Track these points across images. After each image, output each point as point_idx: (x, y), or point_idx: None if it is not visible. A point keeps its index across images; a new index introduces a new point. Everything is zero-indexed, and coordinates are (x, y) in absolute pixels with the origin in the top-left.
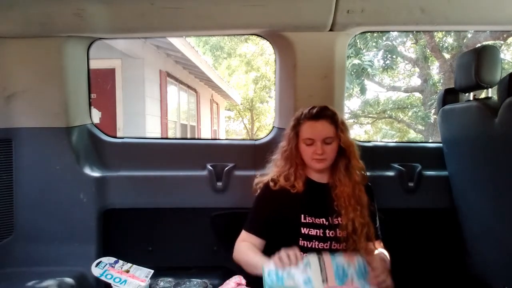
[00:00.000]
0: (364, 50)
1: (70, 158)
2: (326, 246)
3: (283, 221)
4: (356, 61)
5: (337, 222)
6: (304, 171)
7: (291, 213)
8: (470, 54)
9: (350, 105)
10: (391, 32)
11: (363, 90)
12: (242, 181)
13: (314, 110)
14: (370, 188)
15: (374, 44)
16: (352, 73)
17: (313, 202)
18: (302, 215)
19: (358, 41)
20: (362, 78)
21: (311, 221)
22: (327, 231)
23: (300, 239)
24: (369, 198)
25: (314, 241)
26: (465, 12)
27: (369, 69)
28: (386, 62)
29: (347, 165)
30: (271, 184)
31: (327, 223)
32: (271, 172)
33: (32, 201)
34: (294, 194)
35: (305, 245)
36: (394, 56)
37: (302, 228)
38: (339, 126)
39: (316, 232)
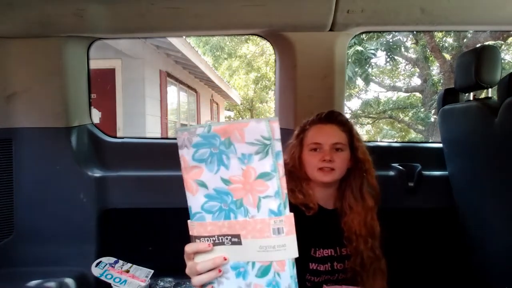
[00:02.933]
0: (365, 39)
1: (70, 158)
2: (333, 278)
3: None
4: (359, 48)
5: (345, 252)
6: (310, 191)
7: (301, 244)
8: (470, 54)
9: (351, 105)
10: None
11: (367, 80)
12: None
13: (323, 114)
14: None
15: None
16: (356, 61)
17: (322, 231)
18: (312, 249)
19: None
20: (366, 67)
21: (320, 255)
22: (335, 263)
23: (308, 274)
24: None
25: (322, 275)
26: (465, 12)
27: (372, 57)
28: (389, 56)
29: (361, 186)
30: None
31: (335, 254)
32: None
33: (32, 201)
34: (306, 218)
35: (313, 280)
36: (395, 56)
37: (310, 264)
38: (354, 135)
39: (325, 267)
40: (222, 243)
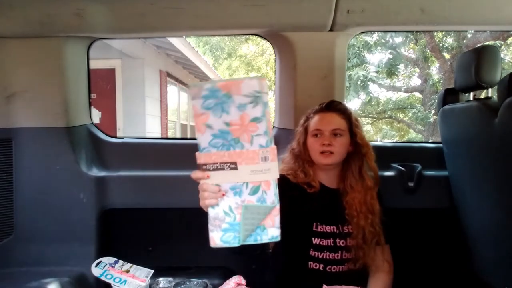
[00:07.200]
0: (366, 57)
1: (70, 158)
2: (337, 256)
3: (294, 228)
4: (362, 73)
5: (347, 230)
6: (313, 172)
7: (304, 219)
8: (470, 54)
9: (350, 105)
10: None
11: (369, 97)
12: None
13: (325, 104)
14: (380, 194)
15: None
16: (358, 83)
17: (324, 208)
18: (314, 223)
19: (361, 49)
20: (369, 90)
21: (322, 229)
22: (337, 240)
23: (311, 249)
24: (380, 205)
25: (325, 251)
26: (465, 12)
27: (375, 79)
28: (390, 67)
29: (360, 168)
30: (290, 177)
31: (337, 231)
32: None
33: (32, 201)
34: (309, 195)
35: (316, 255)
36: (397, 63)
37: (313, 239)
38: (353, 122)
39: (327, 242)
40: (223, 169)
